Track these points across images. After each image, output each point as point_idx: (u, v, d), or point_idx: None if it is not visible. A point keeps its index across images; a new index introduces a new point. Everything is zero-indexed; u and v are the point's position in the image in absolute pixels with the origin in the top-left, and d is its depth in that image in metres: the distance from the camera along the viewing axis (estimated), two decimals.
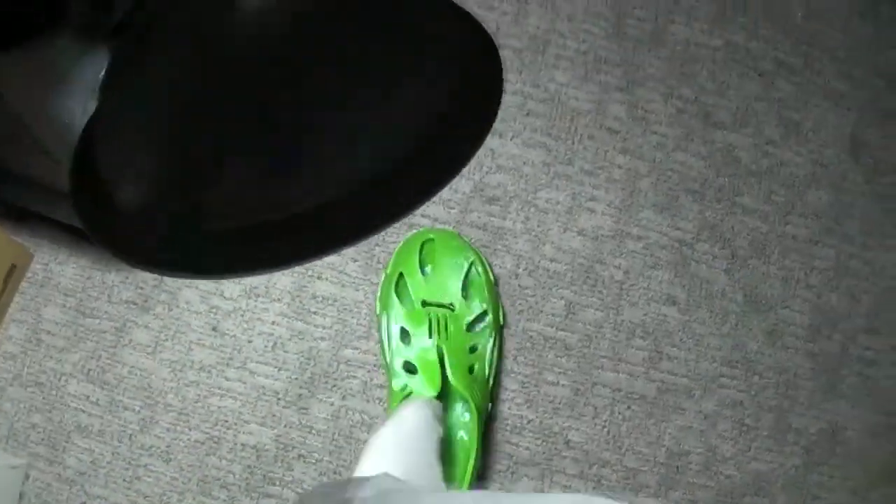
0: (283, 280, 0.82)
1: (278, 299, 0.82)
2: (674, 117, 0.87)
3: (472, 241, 0.83)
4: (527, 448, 0.82)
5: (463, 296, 0.78)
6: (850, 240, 0.90)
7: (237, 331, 0.82)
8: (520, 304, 0.83)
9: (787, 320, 0.87)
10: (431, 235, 0.79)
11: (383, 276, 0.80)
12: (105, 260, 0.85)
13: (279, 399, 0.81)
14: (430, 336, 0.74)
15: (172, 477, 0.81)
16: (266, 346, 0.81)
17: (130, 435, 0.81)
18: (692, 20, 0.90)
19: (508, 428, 0.82)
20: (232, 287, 0.82)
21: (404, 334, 0.76)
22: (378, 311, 0.80)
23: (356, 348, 0.81)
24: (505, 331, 0.82)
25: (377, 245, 0.83)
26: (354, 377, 0.81)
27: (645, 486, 0.83)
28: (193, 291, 0.83)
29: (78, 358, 0.83)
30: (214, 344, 0.82)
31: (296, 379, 0.81)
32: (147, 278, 0.84)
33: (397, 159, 0.34)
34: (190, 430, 0.81)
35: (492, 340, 0.78)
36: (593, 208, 0.85)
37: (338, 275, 0.82)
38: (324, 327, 0.82)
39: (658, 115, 0.87)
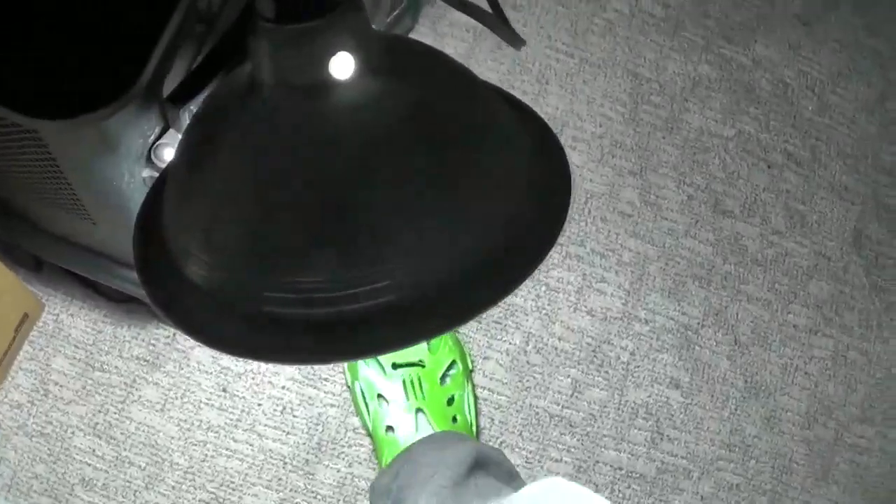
0: None
1: None
2: (684, 204, 0.90)
3: (484, 318, 0.84)
4: None
5: (429, 349, 0.79)
6: (849, 331, 0.92)
7: (247, 393, 0.83)
8: (527, 380, 0.84)
9: (784, 407, 0.89)
10: None
11: None
12: (118, 314, 0.85)
13: (286, 463, 0.82)
14: (408, 399, 0.76)
15: None
16: (275, 410, 0.82)
17: (135, 491, 0.82)
18: (706, 109, 0.92)
19: None
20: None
21: (381, 399, 0.78)
22: (349, 382, 0.81)
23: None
24: (512, 407, 0.84)
25: None
26: (361, 445, 0.82)
27: None
28: (205, 352, 0.83)
29: (85, 411, 0.83)
30: (223, 405, 0.83)
31: (303, 444, 0.82)
32: (159, 335, 0.85)
33: (471, 263, 0.34)
34: (195, 489, 0.82)
35: (466, 387, 0.80)
36: (603, 290, 0.87)
37: None
38: (333, 394, 0.83)
39: (669, 201, 0.89)
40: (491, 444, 0.83)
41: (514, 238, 0.35)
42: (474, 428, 0.80)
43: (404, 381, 0.77)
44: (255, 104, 0.35)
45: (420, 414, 0.76)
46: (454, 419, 0.77)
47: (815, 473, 0.90)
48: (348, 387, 0.81)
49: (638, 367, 0.86)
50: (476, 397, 0.83)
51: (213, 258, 0.36)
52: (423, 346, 0.79)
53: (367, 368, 0.79)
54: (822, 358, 0.91)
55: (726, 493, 0.87)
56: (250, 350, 0.36)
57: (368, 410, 0.78)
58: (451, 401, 0.78)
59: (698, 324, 0.88)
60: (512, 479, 0.73)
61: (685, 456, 0.86)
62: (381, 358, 0.78)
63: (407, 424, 0.75)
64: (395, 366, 0.78)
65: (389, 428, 0.76)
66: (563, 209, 0.37)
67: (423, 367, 0.78)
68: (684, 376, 0.87)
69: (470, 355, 0.84)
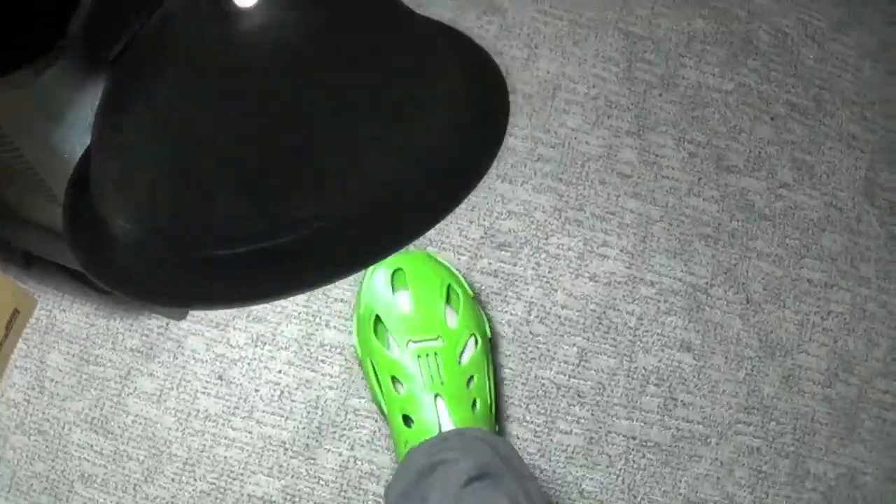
0: (290, 328, 0.81)
1: (285, 347, 0.81)
2: (686, 161, 0.86)
3: (481, 287, 0.82)
4: None
5: (447, 324, 0.74)
6: (867, 283, 0.88)
7: (243, 380, 0.80)
8: (532, 351, 0.81)
9: (803, 365, 0.86)
10: (400, 265, 0.74)
11: (355, 317, 0.77)
12: (110, 306, 0.84)
13: (286, 449, 0.79)
14: (424, 383, 0.70)
15: None
16: (273, 395, 0.80)
17: (135, 485, 0.80)
18: (703, 63, 0.89)
19: None
20: (238, 335, 0.81)
21: (395, 382, 0.73)
22: (360, 355, 0.76)
23: (364, 397, 0.80)
24: (517, 379, 0.81)
25: None
26: (363, 427, 0.80)
27: None
28: (199, 339, 0.81)
29: (82, 406, 0.81)
30: (220, 393, 0.80)
31: (303, 429, 0.79)
32: (152, 326, 0.83)
33: (406, 179, 0.33)
34: (195, 480, 0.79)
35: (485, 363, 0.75)
36: (605, 254, 0.84)
37: (345, 322, 0.81)
38: (331, 376, 0.80)
39: (670, 159, 0.86)
40: (496, 417, 0.80)
41: (450, 157, 0.33)
42: (493, 409, 0.75)
43: (420, 361, 0.71)
44: (168, 42, 0.33)
45: (439, 400, 0.70)
46: (474, 404, 0.71)
47: (839, 433, 0.86)
48: (359, 361, 0.76)
49: (646, 331, 0.83)
50: (495, 371, 0.79)
51: (139, 208, 0.34)
52: (441, 319, 0.73)
53: (379, 344, 0.73)
54: (840, 312, 0.87)
55: (747, 457, 0.83)
56: (190, 298, 0.34)
57: (382, 391, 0.73)
58: (469, 381, 0.72)
59: (707, 283, 0.84)
60: (524, 480, 0.68)
61: (701, 421, 0.83)
62: (395, 336, 0.73)
63: (426, 415, 0.69)
64: (409, 342, 0.72)
65: (406, 419, 0.71)
66: (501, 127, 0.35)
67: (441, 343, 0.72)
68: (695, 339, 0.83)
69: (489, 323, 0.79)
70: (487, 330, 0.78)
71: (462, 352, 0.73)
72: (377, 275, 0.75)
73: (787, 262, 0.86)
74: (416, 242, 0.81)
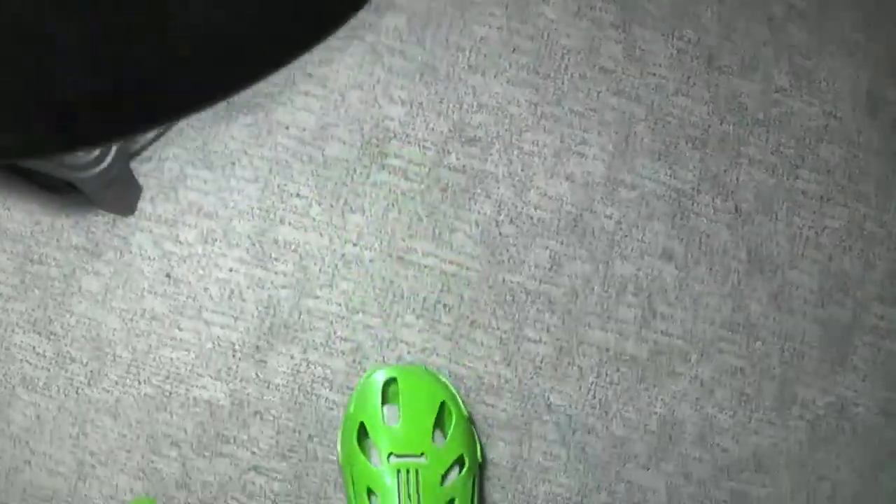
0: (242, 224, 0.76)
1: (237, 244, 0.76)
2: (674, 59, 0.80)
3: (450, 186, 0.76)
4: (504, 410, 0.75)
5: (434, 443, 0.69)
6: (866, 199, 0.82)
7: (192, 278, 0.75)
8: (500, 253, 0.76)
9: (794, 282, 0.80)
10: (394, 374, 0.70)
11: (344, 416, 0.72)
12: (55, 204, 0.79)
13: (235, 351, 0.74)
14: (399, 501, 0.65)
15: (121, 433, 0.74)
16: (222, 295, 0.75)
17: (77, 388, 0.75)
18: None
19: (484, 388, 0.75)
20: (188, 231, 0.76)
21: (370, 494, 0.67)
22: (341, 461, 0.71)
23: (318, 297, 0.75)
24: (483, 283, 0.76)
25: (344, 185, 0.77)
26: (317, 329, 0.74)
27: (633, 457, 0.76)
28: (147, 236, 0.76)
29: (24, 307, 0.77)
30: (168, 292, 0.76)
31: (254, 330, 0.75)
32: (99, 222, 0.78)
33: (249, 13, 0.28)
34: (140, 383, 0.75)
35: (470, 488, 0.70)
36: (583, 152, 0.78)
37: (300, 218, 0.76)
38: (285, 274, 0.75)
39: (657, 55, 0.80)
40: (460, 323, 0.75)
41: None
42: None
43: (399, 476, 0.66)
44: None
45: None
46: None
47: (830, 358, 0.80)
48: (339, 465, 0.72)
49: (625, 237, 0.77)
50: (483, 497, 0.74)
51: None
52: (428, 438, 0.68)
53: (361, 453, 0.69)
54: (836, 229, 0.81)
55: (729, 377, 0.78)
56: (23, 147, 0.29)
57: (356, 501, 0.69)
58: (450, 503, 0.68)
59: (693, 189, 0.78)
60: None
61: (681, 336, 0.77)
62: (377, 447, 0.68)
63: None
64: (391, 455, 0.67)
65: None
66: None
67: (424, 461, 0.67)
68: (678, 247, 0.78)
69: (481, 447, 0.74)
70: (479, 454, 0.73)
71: (446, 474, 0.68)
72: (371, 381, 0.71)
73: (780, 171, 0.80)
74: (416, 355, 0.76)
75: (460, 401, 0.73)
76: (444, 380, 0.72)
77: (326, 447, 0.74)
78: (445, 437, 0.70)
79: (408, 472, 0.66)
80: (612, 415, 0.76)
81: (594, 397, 0.75)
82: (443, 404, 0.70)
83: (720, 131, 0.80)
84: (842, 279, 0.81)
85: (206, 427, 0.74)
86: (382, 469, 0.67)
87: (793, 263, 0.80)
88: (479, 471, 0.73)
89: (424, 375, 0.71)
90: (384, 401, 0.70)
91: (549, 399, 0.75)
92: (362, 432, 0.69)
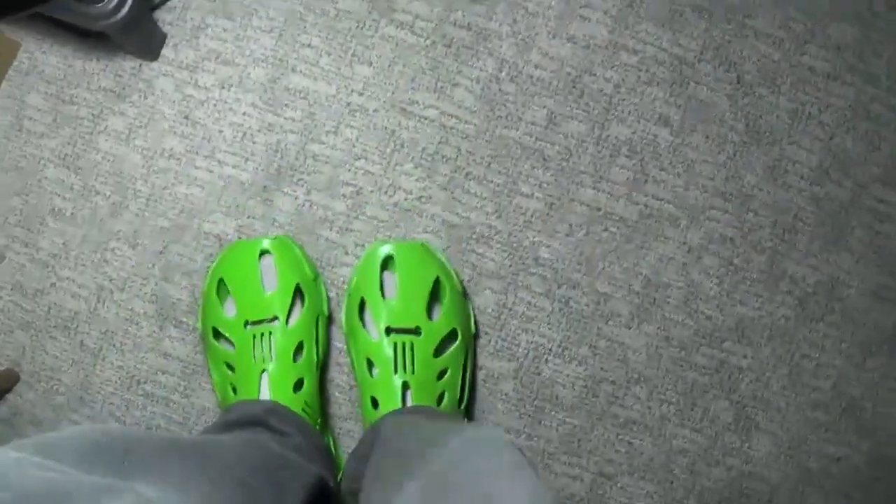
0: (256, 71, 0.80)
1: (251, 90, 0.80)
2: None
3: (454, 42, 0.78)
4: (493, 260, 0.78)
5: (429, 316, 0.72)
6: (875, 80, 0.82)
7: (208, 120, 0.80)
8: (499, 109, 0.78)
9: (792, 157, 0.81)
10: (391, 252, 0.73)
11: (346, 294, 0.76)
12: (87, 48, 0.83)
13: (245, 190, 0.79)
14: (396, 371, 0.69)
15: (138, 262, 0.80)
16: (235, 137, 0.79)
17: (101, 219, 0.81)
18: None
19: (475, 237, 0.78)
20: (206, 77, 0.80)
21: (370, 365, 0.72)
22: (345, 331, 0.76)
23: (324, 143, 0.79)
24: (481, 137, 0.78)
25: (353, 38, 0.79)
26: (321, 172, 0.79)
27: (616, 315, 0.79)
28: (169, 80, 0.81)
29: (56, 144, 0.82)
30: (186, 133, 0.80)
31: (262, 171, 0.79)
32: (126, 67, 0.82)
33: None
34: (157, 216, 0.80)
35: (462, 360, 0.73)
36: (587, 15, 0.79)
37: (311, 68, 0.79)
38: (294, 120, 0.79)
39: None
40: (456, 174, 0.78)
41: None
42: (463, 405, 0.74)
43: (395, 349, 0.70)
44: None
45: (406, 391, 0.69)
46: (441, 397, 0.70)
47: (824, 236, 0.81)
48: (344, 334, 0.76)
49: (623, 100, 0.78)
50: (475, 366, 0.78)
51: None
52: (422, 312, 0.72)
53: (361, 326, 0.73)
54: (841, 108, 0.81)
55: (718, 245, 0.80)
56: None
57: (356, 372, 0.73)
58: (442, 374, 0.71)
59: (695, 58, 0.79)
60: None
61: (672, 201, 0.79)
62: (375, 320, 0.72)
63: (391, 402, 0.69)
64: (388, 330, 0.71)
65: (374, 401, 0.70)
66: None
67: (419, 335, 0.71)
68: (675, 113, 0.79)
69: (475, 322, 0.78)
70: (472, 327, 0.76)
71: (439, 345, 0.72)
72: (371, 256, 0.74)
73: (787, 46, 0.80)
74: (417, 230, 0.78)
75: (455, 276, 0.76)
76: (440, 256, 0.76)
77: (325, 284, 0.79)
78: (440, 310, 0.73)
79: (403, 345, 0.70)
80: (597, 272, 0.78)
81: (581, 254, 0.78)
82: (437, 279, 0.73)
83: (727, 2, 0.80)
84: (842, 158, 0.82)
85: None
86: (380, 342, 0.71)
87: (792, 138, 0.81)
88: (473, 342, 0.77)
89: (420, 251, 0.74)
90: (383, 275, 0.73)
91: (537, 252, 0.78)
92: (362, 306, 0.73)
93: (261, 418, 0.67)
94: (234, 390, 0.72)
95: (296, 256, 0.75)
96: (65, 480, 0.41)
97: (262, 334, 0.71)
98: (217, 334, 0.74)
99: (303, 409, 0.71)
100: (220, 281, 0.75)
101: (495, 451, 0.48)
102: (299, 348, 0.72)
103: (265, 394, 0.71)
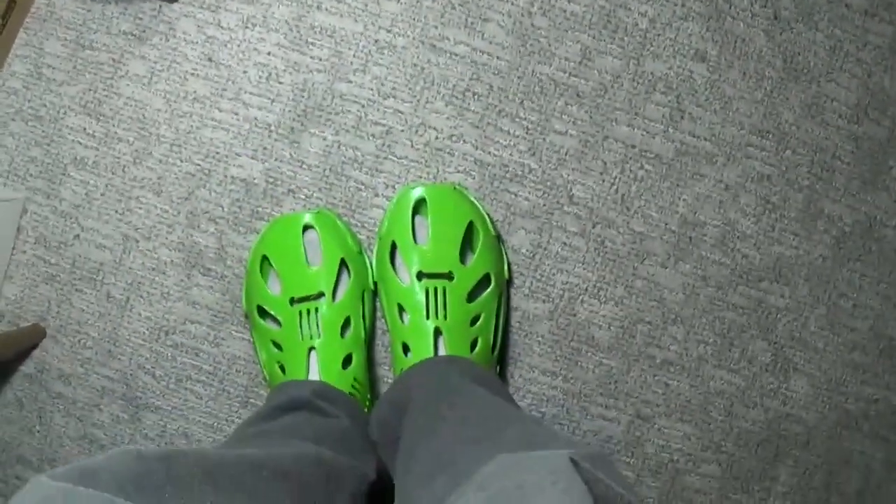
0: (281, 9, 0.78)
1: (275, 29, 0.78)
2: None
3: None
4: (526, 199, 0.76)
5: (462, 261, 0.70)
6: None
7: (232, 61, 0.78)
8: (531, 45, 0.76)
9: (830, 95, 0.79)
10: (423, 195, 0.71)
11: (377, 235, 0.74)
12: None
13: (271, 132, 0.77)
14: (428, 317, 0.68)
15: (163, 209, 0.79)
16: (260, 78, 0.78)
17: (124, 167, 0.79)
18: None
19: (508, 176, 0.77)
20: (229, 17, 0.78)
21: (401, 310, 0.70)
22: (376, 277, 0.74)
23: (351, 82, 0.77)
24: (513, 73, 0.76)
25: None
26: (349, 112, 0.77)
27: (652, 254, 0.78)
28: (190, 21, 0.79)
29: (76, 91, 0.81)
30: (209, 75, 0.78)
31: (289, 112, 0.77)
32: (145, 9, 0.80)
33: None
34: (181, 161, 0.78)
35: (496, 305, 0.71)
36: None
37: (337, 4, 0.77)
38: (320, 59, 0.77)
39: None
40: (488, 112, 0.76)
41: None
42: (496, 352, 0.72)
43: (427, 294, 0.68)
44: None
45: (439, 336, 0.68)
46: (474, 343, 0.69)
47: (861, 175, 0.80)
48: (374, 283, 0.74)
49: (658, 35, 0.77)
50: (509, 312, 0.76)
51: None
52: (455, 256, 0.70)
53: (392, 271, 0.71)
54: (879, 46, 0.79)
55: (755, 184, 0.78)
56: None
57: (387, 318, 0.71)
58: (475, 320, 0.69)
59: None
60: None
61: (709, 138, 0.77)
62: (407, 265, 0.70)
63: (423, 347, 0.67)
64: (419, 275, 0.69)
65: (406, 348, 0.68)
66: None
67: (451, 280, 0.69)
68: (712, 49, 0.77)
69: (508, 266, 0.76)
70: (506, 272, 0.75)
71: (472, 290, 0.70)
72: (403, 199, 0.72)
73: None
74: (450, 173, 0.76)
75: (489, 220, 0.74)
76: (472, 199, 0.74)
77: (354, 227, 0.77)
78: (472, 255, 0.71)
79: (435, 290, 0.69)
80: (633, 211, 0.77)
81: (616, 192, 0.77)
82: (470, 224, 0.72)
83: None
84: (881, 97, 0.80)
85: (242, 204, 0.78)
86: (412, 287, 0.69)
87: (830, 76, 0.79)
88: (507, 287, 0.76)
89: (454, 195, 0.73)
90: (415, 219, 0.72)
91: (571, 191, 0.76)
92: (394, 251, 0.72)
93: (308, 401, 0.66)
94: (283, 369, 0.71)
95: (339, 230, 0.74)
96: None
97: (309, 311, 0.70)
98: (263, 312, 0.73)
99: (352, 386, 0.70)
100: (264, 258, 0.74)
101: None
102: (346, 324, 0.71)
103: (314, 371, 0.70)
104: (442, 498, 0.46)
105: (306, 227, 0.73)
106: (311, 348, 0.69)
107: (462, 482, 0.44)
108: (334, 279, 0.71)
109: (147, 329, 0.79)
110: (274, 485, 0.51)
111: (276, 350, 0.72)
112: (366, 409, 0.72)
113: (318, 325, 0.70)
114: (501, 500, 0.39)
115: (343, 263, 0.72)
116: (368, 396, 0.73)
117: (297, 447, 0.59)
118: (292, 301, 0.71)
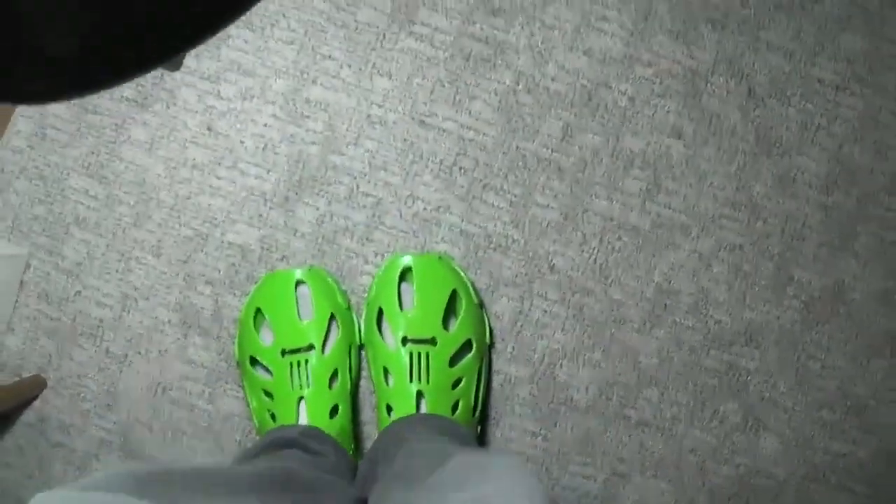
0: (278, 83, 0.81)
1: (272, 102, 0.81)
2: None
3: (472, 55, 0.80)
4: (509, 268, 0.80)
5: (445, 327, 0.74)
6: (883, 92, 0.84)
7: (231, 131, 0.82)
8: (516, 121, 0.80)
9: (801, 167, 0.83)
10: (410, 264, 0.75)
11: (365, 304, 0.78)
12: None
13: (266, 200, 0.81)
14: (411, 380, 0.71)
15: (161, 271, 0.82)
16: (257, 148, 0.81)
17: (124, 229, 0.83)
18: None
19: (493, 246, 0.80)
20: (228, 88, 0.82)
21: (386, 373, 0.74)
22: (364, 340, 0.78)
23: (344, 154, 0.80)
24: (498, 149, 0.80)
25: (373, 50, 0.81)
26: (341, 183, 0.80)
27: (628, 321, 0.81)
28: (191, 91, 0.82)
29: (79, 153, 0.84)
30: (208, 143, 0.82)
31: (284, 181, 0.81)
32: (147, 76, 0.84)
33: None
34: (180, 226, 0.82)
35: (477, 369, 0.75)
36: (603, 28, 0.80)
37: (331, 80, 0.81)
38: (314, 132, 0.81)
39: None
40: (474, 185, 0.80)
41: None
42: (476, 413, 0.76)
43: (412, 358, 0.72)
44: None
45: (421, 399, 0.72)
46: (455, 405, 0.73)
47: (831, 242, 0.84)
48: (361, 345, 0.78)
49: (637, 112, 0.80)
50: (490, 375, 0.80)
51: None
52: (438, 323, 0.74)
53: (379, 336, 0.75)
54: (849, 119, 0.83)
55: (728, 253, 0.82)
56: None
57: (373, 380, 0.76)
58: (456, 383, 0.73)
59: (708, 71, 0.81)
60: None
61: (683, 210, 0.81)
62: (392, 330, 0.74)
63: (405, 409, 0.71)
64: (404, 340, 0.73)
65: (388, 408, 0.72)
66: None
67: (434, 345, 0.73)
68: (688, 126, 0.81)
69: (491, 332, 0.80)
70: (487, 337, 0.78)
71: (454, 355, 0.74)
72: (390, 267, 0.76)
73: (798, 57, 0.82)
74: (435, 241, 0.79)
75: (472, 288, 0.78)
76: (457, 268, 0.78)
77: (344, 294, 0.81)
78: (455, 322, 0.75)
79: (419, 354, 0.72)
80: (611, 280, 0.81)
81: (595, 262, 0.80)
82: (454, 292, 0.75)
83: (740, 15, 0.82)
84: (850, 168, 0.84)
85: (238, 268, 0.81)
86: (397, 351, 0.73)
87: (801, 149, 0.83)
88: (489, 352, 0.80)
89: (438, 264, 0.76)
90: (401, 287, 0.75)
91: (552, 261, 0.80)
92: (380, 316, 0.76)
93: (297, 440, 0.70)
94: (273, 417, 0.74)
95: (329, 286, 0.77)
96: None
97: (299, 362, 0.74)
98: (254, 362, 0.77)
99: (338, 434, 0.73)
100: (258, 310, 0.77)
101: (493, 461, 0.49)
102: (334, 375, 0.75)
103: (303, 419, 0.73)
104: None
105: (299, 283, 0.77)
106: (301, 398, 0.73)
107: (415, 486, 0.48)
108: (324, 333, 0.75)
109: (145, 385, 0.82)
110: (272, 486, 0.55)
111: (266, 399, 0.75)
112: (350, 455, 0.76)
113: (307, 376, 0.73)
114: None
115: (332, 318, 0.76)
116: (352, 445, 0.77)
117: (285, 463, 0.63)
118: (283, 352, 0.75)
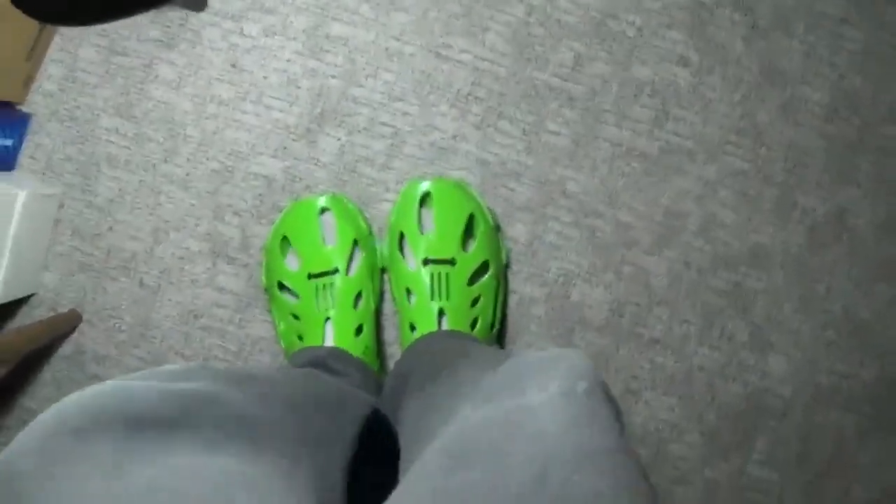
0: (299, 19, 0.85)
1: (294, 38, 0.84)
2: None
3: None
4: (523, 193, 0.84)
5: (463, 249, 0.78)
6: (886, 26, 0.86)
7: (254, 67, 0.85)
8: (528, 52, 0.83)
9: (803, 97, 0.86)
10: (429, 188, 0.79)
11: (387, 229, 0.81)
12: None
13: (290, 133, 0.84)
14: (432, 298, 0.75)
15: (191, 203, 0.86)
16: (280, 83, 0.85)
17: (154, 165, 0.86)
18: None
19: (507, 173, 0.84)
20: (251, 26, 0.85)
21: (408, 293, 0.77)
22: (386, 263, 0.81)
23: (363, 87, 0.84)
24: (511, 78, 0.83)
25: None
26: (360, 114, 0.84)
27: (638, 242, 0.85)
28: (216, 30, 0.86)
29: (109, 93, 0.87)
30: (233, 79, 0.85)
31: (306, 114, 0.84)
32: (173, 18, 0.87)
33: None
34: (207, 160, 0.85)
35: (494, 288, 0.79)
36: None
37: (351, 16, 0.84)
38: (335, 66, 0.84)
39: None
40: (488, 114, 0.83)
41: None
42: (494, 329, 0.79)
43: (432, 278, 0.75)
44: None
45: (442, 316, 0.75)
46: (474, 322, 0.76)
47: (832, 170, 0.87)
48: (383, 269, 0.82)
49: (645, 43, 0.83)
50: (507, 295, 0.83)
51: None
52: (458, 244, 0.77)
53: (401, 258, 0.78)
54: (852, 51, 0.86)
55: (732, 178, 0.85)
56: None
57: (396, 301, 0.79)
58: (475, 302, 0.77)
59: (714, 3, 0.84)
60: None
61: (691, 137, 0.84)
62: (413, 253, 0.77)
63: (428, 326, 0.74)
64: (425, 261, 0.76)
65: (412, 326, 0.76)
66: None
67: (454, 265, 0.76)
68: (694, 55, 0.84)
69: (507, 253, 0.83)
70: (503, 258, 0.82)
71: (472, 275, 0.77)
72: (409, 193, 0.79)
73: None
74: (454, 164, 0.82)
75: (488, 212, 0.82)
76: (474, 193, 0.81)
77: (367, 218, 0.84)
78: (473, 243, 0.79)
79: (440, 274, 0.76)
80: (620, 203, 0.84)
81: (605, 186, 0.84)
82: (472, 215, 0.79)
83: None
84: (852, 98, 0.87)
85: (264, 198, 0.85)
86: (418, 272, 0.77)
87: (804, 79, 0.86)
88: (505, 273, 0.83)
89: (457, 188, 0.80)
90: (421, 211, 0.79)
91: (564, 186, 0.84)
92: (402, 240, 0.79)
93: (323, 360, 0.73)
94: (301, 338, 0.78)
95: (351, 212, 0.81)
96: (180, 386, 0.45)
97: (325, 285, 0.77)
98: (282, 287, 0.80)
99: (363, 353, 0.77)
100: (284, 238, 0.81)
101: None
102: (358, 297, 0.78)
103: (329, 339, 0.77)
104: (447, 410, 0.48)
105: (322, 210, 0.80)
106: (327, 318, 0.77)
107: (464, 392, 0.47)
108: (348, 257, 0.79)
109: (177, 313, 0.86)
110: (290, 390, 0.57)
111: (294, 321, 0.79)
112: (375, 373, 0.79)
113: (333, 298, 0.77)
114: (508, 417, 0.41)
115: (355, 243, 0.80)
116: (377, 363, 0.80)
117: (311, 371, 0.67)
118: (310, 276, 0.78)
